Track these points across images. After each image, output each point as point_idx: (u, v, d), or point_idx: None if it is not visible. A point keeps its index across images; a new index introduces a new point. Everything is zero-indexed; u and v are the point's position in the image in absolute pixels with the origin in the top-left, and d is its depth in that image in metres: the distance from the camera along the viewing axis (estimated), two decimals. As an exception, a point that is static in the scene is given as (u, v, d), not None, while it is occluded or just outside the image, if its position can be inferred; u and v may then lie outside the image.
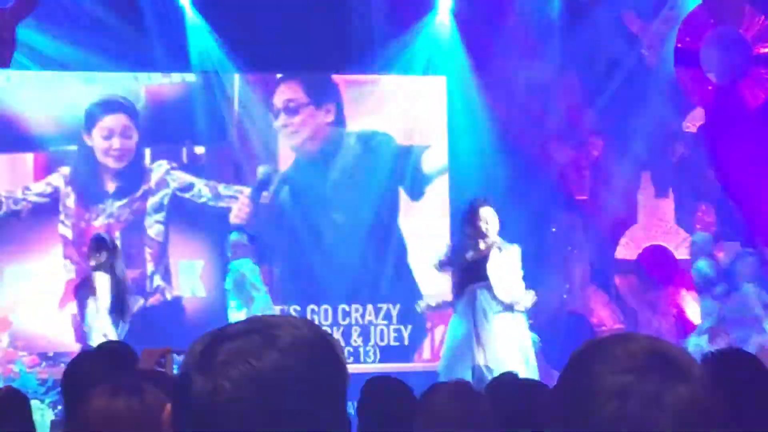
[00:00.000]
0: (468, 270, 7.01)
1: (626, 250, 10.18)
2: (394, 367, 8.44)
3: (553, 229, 9.86)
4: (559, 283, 9.42)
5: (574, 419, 1.22)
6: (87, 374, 2.92)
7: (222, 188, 9.52)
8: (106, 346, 3.59)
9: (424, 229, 9.57)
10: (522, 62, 9.83)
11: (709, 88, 10.40)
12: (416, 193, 9.78)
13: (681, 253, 10.14)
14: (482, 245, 7.03)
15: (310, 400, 1.17)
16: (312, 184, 9.53)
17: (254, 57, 9.38)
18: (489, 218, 7.03)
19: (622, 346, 1.23)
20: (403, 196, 9.83)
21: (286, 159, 9.68)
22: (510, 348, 6.89)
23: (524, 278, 7.15)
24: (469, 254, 7.05)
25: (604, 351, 1.24)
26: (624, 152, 9.98)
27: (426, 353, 9.46)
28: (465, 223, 7.14)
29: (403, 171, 9.75)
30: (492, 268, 6.94)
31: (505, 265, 6.99)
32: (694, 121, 10.32)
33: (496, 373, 5.38)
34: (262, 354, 1.17)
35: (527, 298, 7.10)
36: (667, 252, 10.19)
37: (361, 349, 9.42)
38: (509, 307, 6.97)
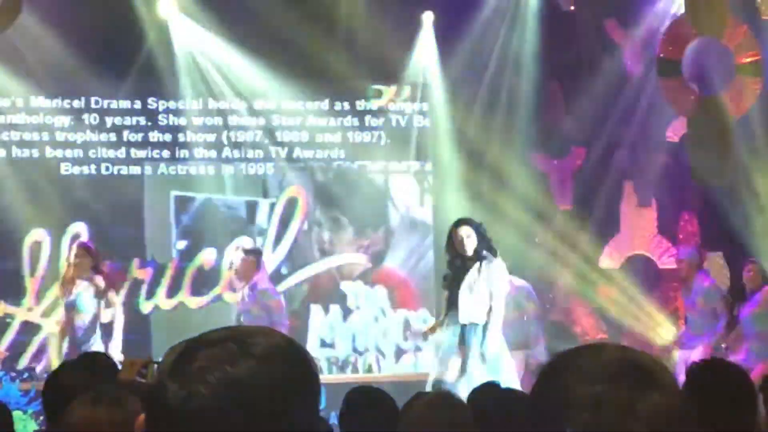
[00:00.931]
0: (450, 290, 7.15)
1: (609, 259, 10.22)
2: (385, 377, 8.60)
3: (537, 240, 9.90)
4: (542, 293, 9.45)
5: (547, 430, 1.22)
6: (68, 384, 2.95)
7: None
8: (87, 357, 3.63)
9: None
10: (504, 72, 9.88)
11: (692, 98, 10.45)
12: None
13: (663, 263, 10.16)
14: (459, 263, 7.13)
15: (285, 407, 1.18)
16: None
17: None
18: (464, 236, 7.09)
19: (593, 357, 1.23)
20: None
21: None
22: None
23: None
24: (448, 274, 7.21)
25: (575, 362, 1.24)
26: (607, 162, 10.03)
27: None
28: (446, 245, 7.28)
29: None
30: (461, 291, 7.02)
31: (479, 282, 7.02)
32: (676, 131, 10.35)
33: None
34: (238, 361, 1.18)
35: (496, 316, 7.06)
36: (650, 261, 10.23)
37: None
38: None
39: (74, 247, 8.40)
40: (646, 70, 10.16)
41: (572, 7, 10.16)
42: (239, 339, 1.20)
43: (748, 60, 10.40)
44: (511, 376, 6.94)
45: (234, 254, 9.20)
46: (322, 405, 8.04)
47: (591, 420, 1.18)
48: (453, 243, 7.15)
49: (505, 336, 7.19)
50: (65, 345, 8.15)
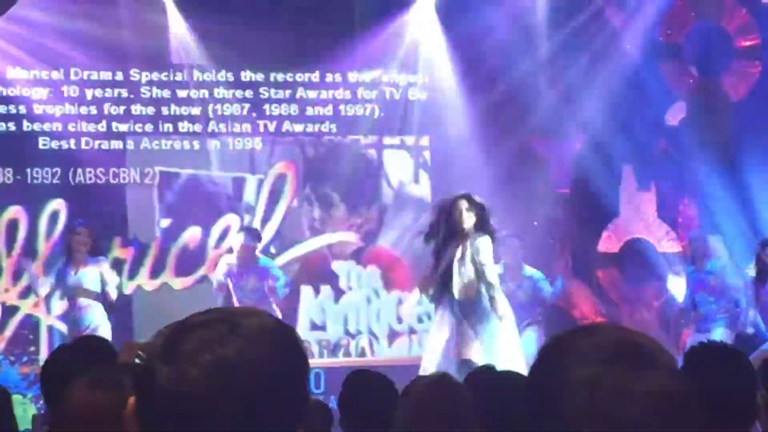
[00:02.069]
0: (443, 264, 6.96)
1: (608, 243, 10.17)
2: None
3: (535, 223, 9.80)
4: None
5: (546, 413, 1.22)
6: (66, 368, 2.82)
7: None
8: (86, 340, 3.61)
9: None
10: (505, 56, 9.75)
11: (691, 81, 10.39)
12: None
13: (663, 247, 10.12)
14: (448, 236, 6.94)
15: (275, 386, 1.20)
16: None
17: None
18: (464, 210, 6.92)
19: (589, 338, 1.24)
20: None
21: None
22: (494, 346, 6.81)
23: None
24: (439, 247, 6.99)
25: (572, 344, 1.24)
26: (606, 146, 9.94)
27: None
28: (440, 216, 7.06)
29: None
30: (455, 267, 6.88)
31: (470, 258, 6.88)
32: (675, 114, 10.29)
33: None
34: (228, 342, 1.19)
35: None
36: (649, 245, 10.16)
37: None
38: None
39: (79, 228, 8.20)
40: (645, 53, 10.11)
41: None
42: (228, 320, 1.22)
43: (747, 43, 10.39)
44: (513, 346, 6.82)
45: (234, 238, 8.91)
46: (321, 389, 7.95)
47: (588, 401, 1.18)
48: (452, 216, 6.94)
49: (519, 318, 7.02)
50: (66, 328, 8.09)
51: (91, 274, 8.04)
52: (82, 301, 8.01)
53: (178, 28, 9.50)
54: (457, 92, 9.82)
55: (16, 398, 6.27)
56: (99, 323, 7.94)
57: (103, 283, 8.07)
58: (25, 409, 7.98)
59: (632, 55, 10.12)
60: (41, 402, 7.41)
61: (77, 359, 2.96)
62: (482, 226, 6.93)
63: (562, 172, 10.17)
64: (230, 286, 8.46)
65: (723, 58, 10.42)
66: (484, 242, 6.89)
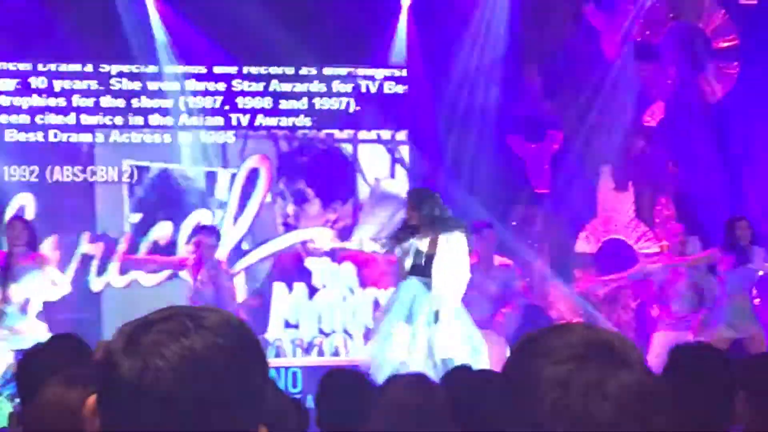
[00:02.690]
0: (414, 257, 6.96)
1: (586, 243, 10.15)
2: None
3: (513, 223, 9.78)
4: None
5: (519, 412, 1.23)
6: (42, 366, 2.87)
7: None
8: (60, 339, 3.53)
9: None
10: (482, 55, 9.71)
11: (669, 82, 10.38)
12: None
13: (640, 247, 10.10)
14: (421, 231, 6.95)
15: (241, 375, 1.20)
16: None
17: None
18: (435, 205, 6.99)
19: (560, 337, 1.25)
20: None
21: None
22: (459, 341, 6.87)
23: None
24: (409, 239, 6.99)
25: (543, 343, 1.25)
26: (584, 146, 9.94)
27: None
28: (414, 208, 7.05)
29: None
30: (436, 263, 6.87)
31: (447, 255, 6.89)
32: (653, 115, 10.30)
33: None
34: (192, 333, 1.19)
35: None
36: (627, 245, 10.13)
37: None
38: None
39: (14, 222, 7.97)
40: (623, 54, 10.11)
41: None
42: (191, 314, 1.22)
43: (725, 44, 10.40)
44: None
45: (192, 235, 8.79)
46: (298, 388, 7.83)
47: (559, 400, 1.19)
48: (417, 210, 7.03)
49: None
50: None
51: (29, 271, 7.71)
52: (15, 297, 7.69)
53: (152, 19, 9.32)
54: (434, 91, 9.73)
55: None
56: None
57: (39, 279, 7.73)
58: (1, 407, 7.80)
59: (610, 55, 10.11)
60: (17, 400, 7.27)
61: (52, 357, 2.99)
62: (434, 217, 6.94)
63: (541, 172, 10.10)
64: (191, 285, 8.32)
65: (701, 59, 10.41)
66: (457, 240, 6.91)
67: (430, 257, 6.89)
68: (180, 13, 9.21)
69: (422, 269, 6.92)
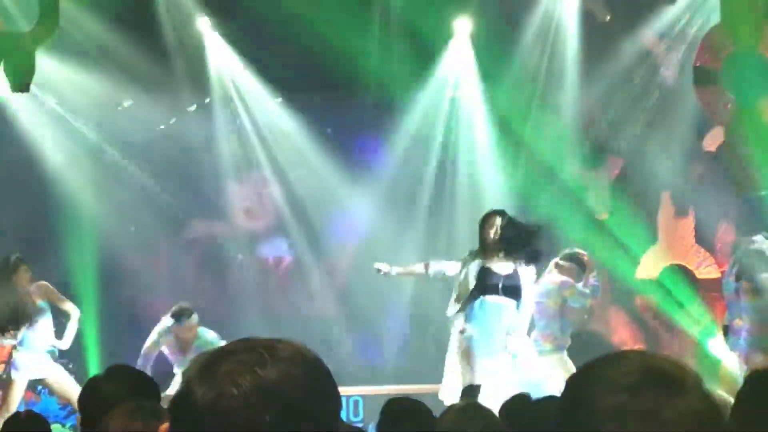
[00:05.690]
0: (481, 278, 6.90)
1: (647, 269, 10.09)
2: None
3: (576, 250, 9.74)
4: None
5: None
6: (104, 397, 2.89)
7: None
8: (119, 368, 3.47)
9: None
10: (542, 84, 9.86)
11: (729, 106, 10.32)
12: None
13: (701, 273, 10.04)
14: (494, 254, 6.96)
15: (314, 407, 1.22)
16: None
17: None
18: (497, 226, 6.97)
19: (615, 366, 1.25)
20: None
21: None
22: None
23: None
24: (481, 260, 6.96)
25: (599, 372, 1.25)
26: (644, 172, 9.95)
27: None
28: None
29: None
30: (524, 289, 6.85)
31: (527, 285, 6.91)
32: (713, 140, 10.24)
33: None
34: (268, 365, 1.21)
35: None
36: (688, 271, 10.10)
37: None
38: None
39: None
40: (682, 79, 10.09)
41: (608, 18, 10.09)
42: (266, 345, 1.24)
43: None
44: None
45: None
46: (360, 416, 8.00)
47: (617, 431, 1.18)
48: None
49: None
50: None
51: None
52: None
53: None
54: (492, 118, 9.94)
55: (55, 428, 6.19)
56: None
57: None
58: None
59: (669, 80, 10.13)
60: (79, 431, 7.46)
61: (115, 389, 2.98)
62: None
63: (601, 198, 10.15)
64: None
65: (760, 84, 10.33)
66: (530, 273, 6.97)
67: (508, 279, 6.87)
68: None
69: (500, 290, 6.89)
